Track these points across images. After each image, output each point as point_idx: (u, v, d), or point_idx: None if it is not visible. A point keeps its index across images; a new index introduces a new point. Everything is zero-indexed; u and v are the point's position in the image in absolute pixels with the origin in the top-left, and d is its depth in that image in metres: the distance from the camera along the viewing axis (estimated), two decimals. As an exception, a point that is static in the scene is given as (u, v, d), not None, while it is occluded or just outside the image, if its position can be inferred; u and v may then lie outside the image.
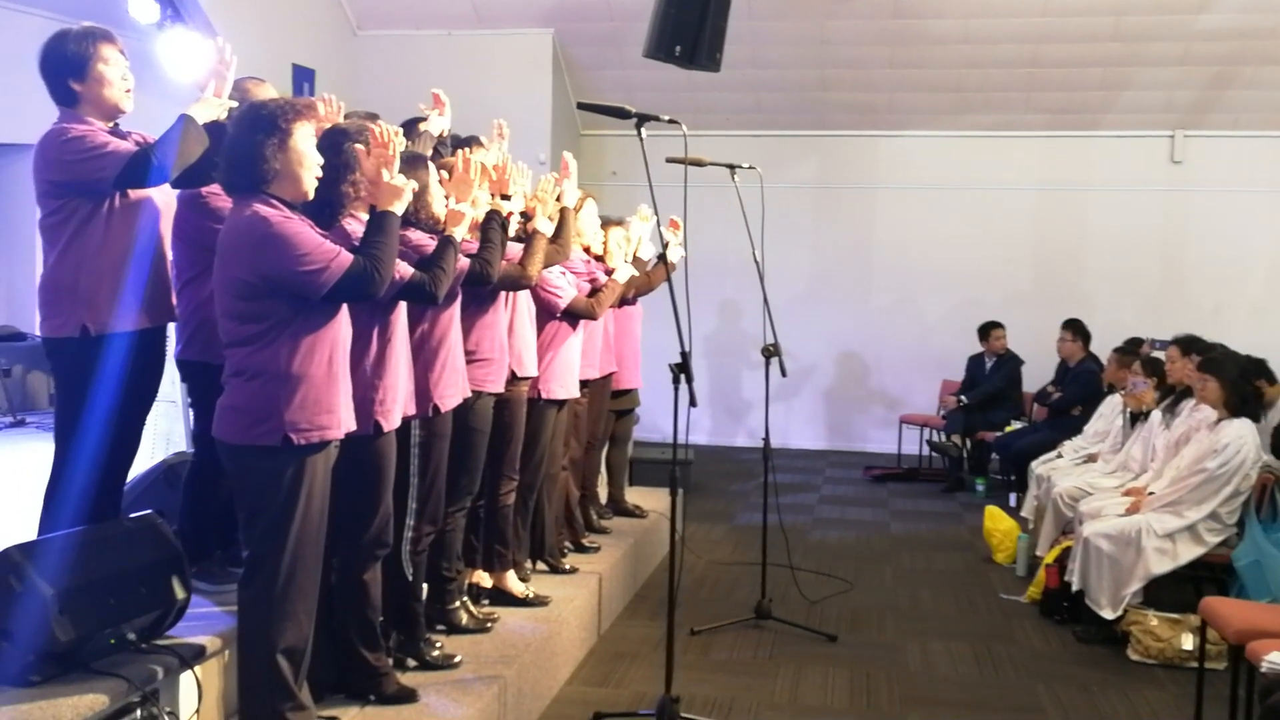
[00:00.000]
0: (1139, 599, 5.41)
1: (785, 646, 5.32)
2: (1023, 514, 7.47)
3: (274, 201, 3.06)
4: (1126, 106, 10.51)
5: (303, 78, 9.47)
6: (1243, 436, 5.34)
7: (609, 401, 6.18)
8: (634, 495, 7.18)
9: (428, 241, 3.71)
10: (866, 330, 11.39)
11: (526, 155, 10.19)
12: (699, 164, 5.60)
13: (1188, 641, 5.12)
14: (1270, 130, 10.48)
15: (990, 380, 9.71)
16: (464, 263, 3.78)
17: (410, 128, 5.61)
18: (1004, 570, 6.84)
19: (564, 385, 4.99)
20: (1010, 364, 9.73)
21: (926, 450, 10.41)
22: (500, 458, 4.63)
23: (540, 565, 5.31)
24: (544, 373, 4.82)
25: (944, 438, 9.93)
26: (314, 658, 3.51)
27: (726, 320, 11.44)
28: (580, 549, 5.69)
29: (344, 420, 3.14)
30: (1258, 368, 6.56)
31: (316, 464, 3.06)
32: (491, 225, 3.93)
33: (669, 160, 5.54)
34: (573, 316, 5.09)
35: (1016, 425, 9.16)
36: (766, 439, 5.83)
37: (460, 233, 3.59)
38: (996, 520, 7.11)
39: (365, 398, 3.32)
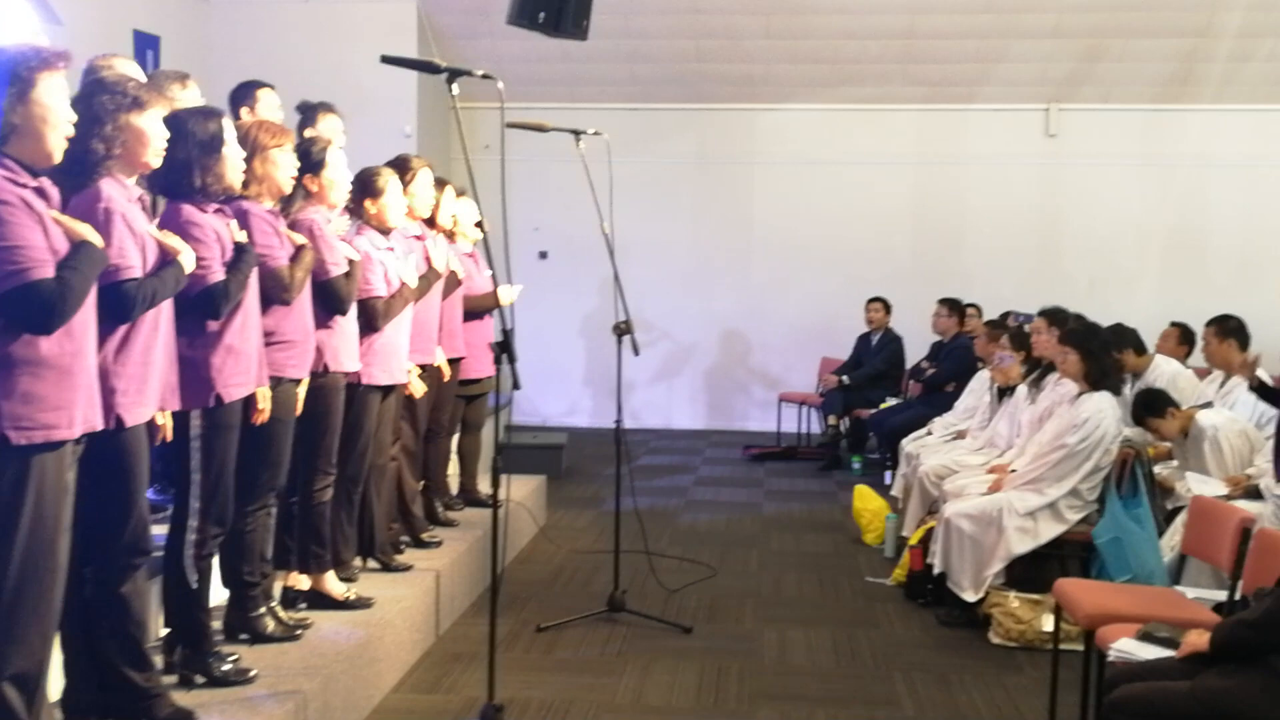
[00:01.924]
0: (1001, 580, 5.25)
1: (636, 641, 5.04)
2: (893, 493, 7.31)
3: (8, 163, 2.66)
4: (1001, 79, 10.44)
5: (146, 45, 8.88)
6: (1103, 410, 5.20)
7: (456, 388, 5.81)
8: (503, 484, 6.82)
9: (203, 221, 3.37)
10: (748, 308, 11.20)
11: (391, 130, 9.81)
12: (540, 129, 5.27)
13: (1047, 623, 4.95)
14: (1141, 103, 10.50)
15: (872, 362, 9.57)
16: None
17: (247, 91, 5.24)
18: (872, 551, 6.67)
19: (387, 370, 4.61)
20: (893, 344, 9.61)
21: (805, 429, 10.26)
22: (315, 450, 4.25)
23: (372, 564, 4.94)
24: (364, 357, 4.44)
25: (822, 418, 9.76)
26: (76, 680, 3.14)
27: (608, 299, 11.13)
28: (419, 544, 5.33)
29: (81, 418, 2.75)
30: (1127, 336, 6.47)
31: (45, 465, 2.67)
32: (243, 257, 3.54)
33: (509, 125, 5.19)
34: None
35: (892, 402, 9.03)
36: (619, 421, 5.50)
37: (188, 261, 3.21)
38: (866, 500, 6.93)
39: (105, 388, 2.93)
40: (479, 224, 5.64)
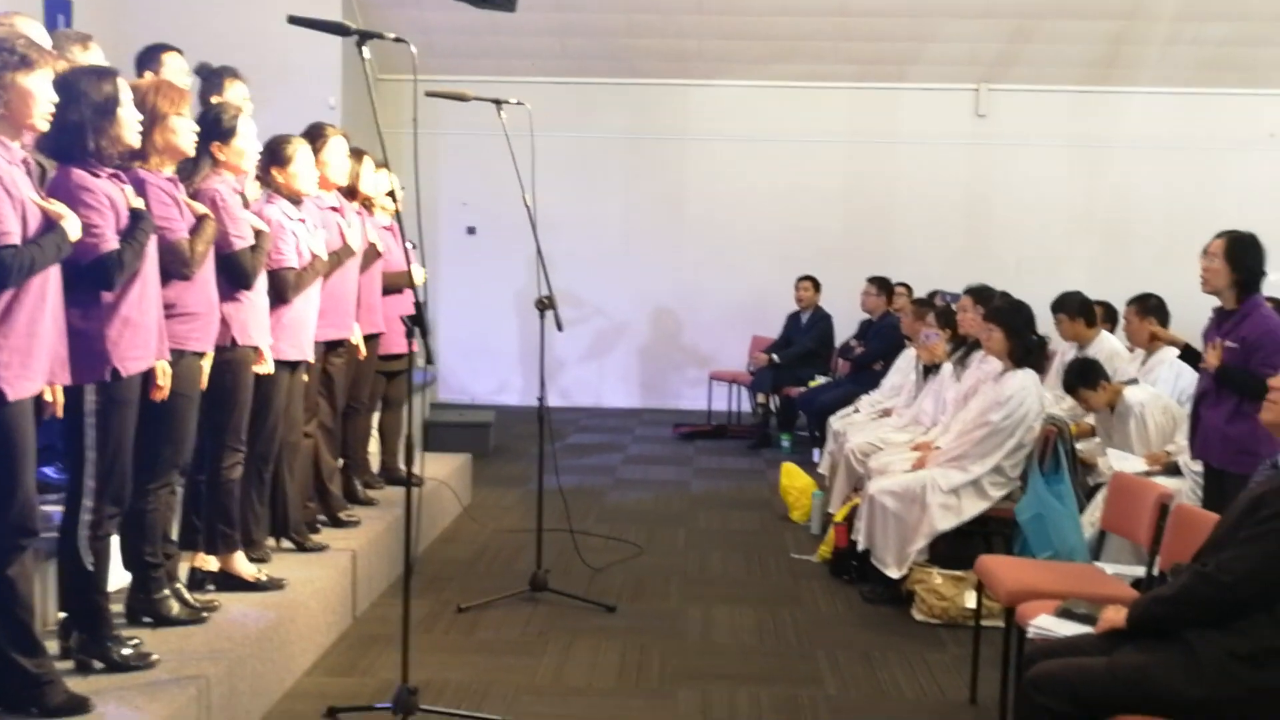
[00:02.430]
0: (924, 557, 5.24)
1: (558, 620, 4.96)
2: (820, 470, 7.29)
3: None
4: (932, 59, 10.45)
5: (57, 9, 8.56)
6: (1026, 388, 5.20)
7: (376, 364, 5.67)
8: (427, 462, 6.69)
9: (95, 186, 3.21)
10: (680, 286, 11.14)
11: (315, 100, 9.57)
12: (461, 98, 5.13)
13: (970, 599, 4.95)
14: (1069, 85, 10.57)
15: (802, 340, 9.56)
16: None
17: (152, 55, 5.03)
18: (799, 529, 6.65)
19: (296, 345, 4.45)
20: (822, 323, 9.60)
21: (736, 407, 10.24)
22: (222, 427, 4.10)
23: (286, 544, 4.80)
24: (271, 331, 4.29)
25: (752, 396, 9.74)
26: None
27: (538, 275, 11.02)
28: (337, 523, 5.20)
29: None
30: (1083, 307, 6.50)
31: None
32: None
33: (428, 94, 5.06)
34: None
35: (821, 380, 9.02)
36: (541, 398, 5.39)
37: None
38: (793, 477, 6.91)
39: (-16, 360, 2.77)
40: (390, 194, 5.48)
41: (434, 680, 4.22)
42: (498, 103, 5.18)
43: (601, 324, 11.18)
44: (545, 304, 5.22)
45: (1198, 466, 4.91)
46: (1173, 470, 5.27)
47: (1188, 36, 9.93)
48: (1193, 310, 6.10)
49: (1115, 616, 3.00)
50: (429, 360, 3.75)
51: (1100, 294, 7.43)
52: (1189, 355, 5.73)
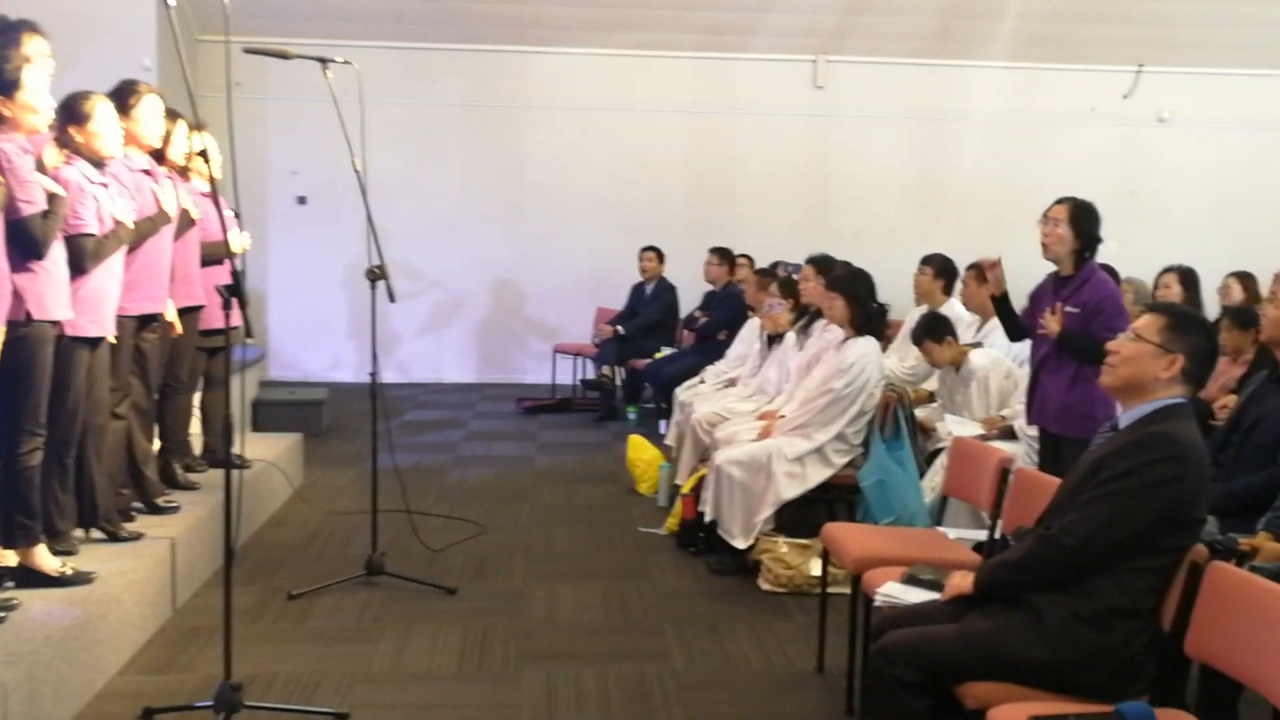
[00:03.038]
0: (770, 526, 5.22)
1: (396, 605, 4.74)
2: (667, 442, 7.23)
3: None
4: (772, 29, 10.46)
5: None
6: (867, 355, 5.22)
7: (195, 339, 5.32)
8: (255, 443, 6.37)
9: None
10: (521, 257, 10.93)
11: (128, 62, 8.96)
12: (283, 56, 4.81)
13: (816, 567, 4.95)
14: (904, 58, 10.73)
15: (647, 311, 9.48)
16: None
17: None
18: (646, 501, 6.57)
19: (96, 320, 4.09)
20: (666, 294, 9.54)
21: (581, 379, 10.11)
22: (19, 408, 3.74)
23: (96, 534, 4.44)
24: (70, 304, 3.93)
25: (597, 368, 9.61)
26: None
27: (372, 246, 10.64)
28: (154, 510, 4.85)
29: None
30: (947, 267, 6.55)
31: None
32: None
33: (247, 50, 4.73)
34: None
35: (666, 351, 8.97)
36: (374, 374, 5.14)
37: None
38: (639, 450, 6.82)
39: None
40: (201, 154, 5.02)
41: (261, 674, 3.97)
42: (323, 61, 4.86)
43: (440, 296, 10.89)
44: (377, 274, 4.97)
45: (1033, 431, 4.99)
46: (1008, 434, 5.37)
47: (1014, 12, 10.18)
48: (1021, 278, 6.24)
49: (962, 583, 2.97)
50: (249, 334, 3.49)
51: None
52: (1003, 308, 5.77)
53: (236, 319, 3.57)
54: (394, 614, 4.64)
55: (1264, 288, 6.92)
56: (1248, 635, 2.47)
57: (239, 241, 4.74)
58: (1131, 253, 8.28)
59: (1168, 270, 6.37)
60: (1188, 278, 6.29)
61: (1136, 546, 2.68)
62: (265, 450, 6.22)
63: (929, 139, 10.98)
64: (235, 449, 5.51)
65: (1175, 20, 10.26)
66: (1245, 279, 7.02)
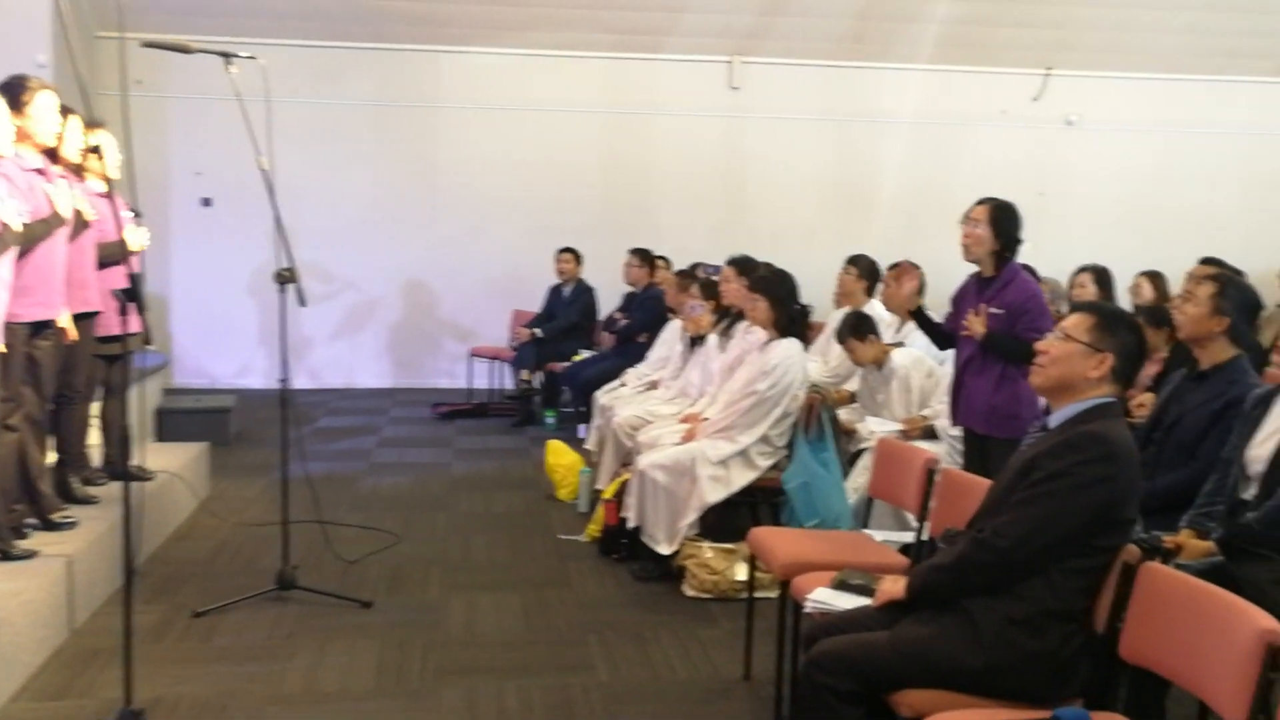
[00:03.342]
0: (695, 531, 5.14)
1: (309, 620, 4.56)
2: (587, 446, 7.11)
3: None
4: (687, 30, 10.41)
5: None
6: (790, 357, 5.17)
7: (92, 347, 5.08)
8: (158, 453, 6.12)
9: None
10: (435, 259, 10.72)
11: (21, 57, 8.58)
12: (183, 50, 4.60)
13: (741, 572, 4.89)
14: (819, 59, 10.75)
15: (565, 314, 9.36)
16: None
17: None
18: (566, 508, 6.45)
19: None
20: (584, 296, 9.43)
21: (498, 384, 9.96)
22: (-103, 421, 3.51)
23: (-15, 552, 4.20)
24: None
25: (514, 372, 9.46)
26: None
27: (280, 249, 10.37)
28: (50, 526, 4.61)
29: None
30: (872, 270, 6.57)
31: None
32: None
33: (145, 44, 4.51)
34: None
35: (585, 354, 8.85)
36: (284, 380, 4.95)
37: None
38: (559, 455, 6.70)
39: None
40: (94, 149, 4.79)
41: (165, 697, 3.79)
42: (226, 56, 4.67)
43: (352, 300, 10.64)
44: (286, 277, 4.79)
45: (955, 431, 4.99)
46: (929, 434, 5.37)
47: (928, 15, 10.26)
48: (934, 277, 6.28)
49: (894, 588, 2.91)
50: (148, 340, 3.30)
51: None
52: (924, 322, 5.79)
53: (135, 325, 3.39)
54: (307, 630, 4.46)
55: (1174, 286, 7.06)
56: (1182, 636, 2.45)
57: (136, 239, 4.51)
58: (1042, 253, 8.36)
59: (1083, 270, 6.44)
60: (1102, 277, 6.36)
61: (1069, 547, 2.65)
62: (169, 461, 5.98)
63: (845, 141, 11.02)
64: (136, 460, 5.31)
65: (1082, 25, 10.44)
66: (1155, 278, 7.13)
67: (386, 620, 4.61)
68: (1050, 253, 8.91)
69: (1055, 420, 2.80)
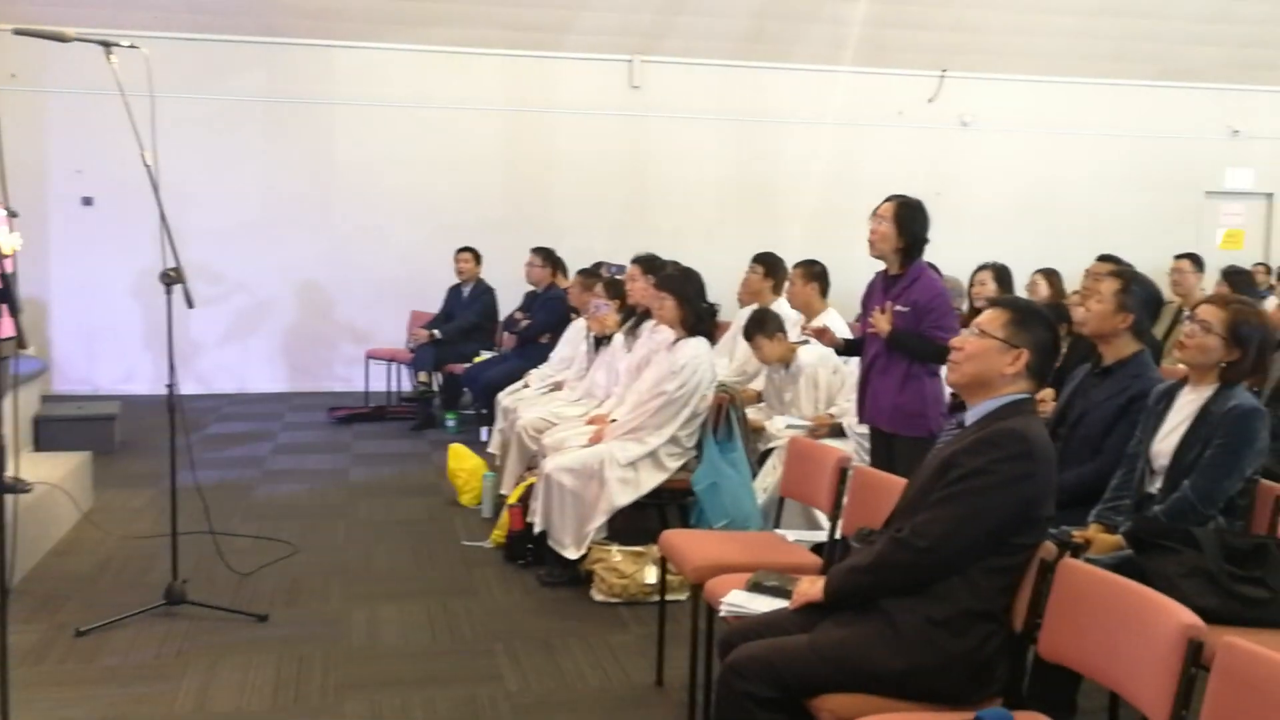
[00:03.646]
0: (603, 534, 5.04)
1: (201, 637, 4.35)
2: (490, 450, 6.97)
3: None
4: (587, 28, 10.33)
5: None
6: (699, 356, 5.10)
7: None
8: (36, 463, 5.80)
9: None
10: (331, 260, 10.46)
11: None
12: (60, 39, 4.35)
13: (651, 575, 4.81)
14: (719, 59, 10.76)
15: (464, 314, 9.19)
16: None
17: None
18: (470, 513, 6.30)
19: None
20: (485, 296, 9.27)
21: (396, 386, 9.74)
22: None
23: None
24: None
25: (413, 374, 9.25)
26: None
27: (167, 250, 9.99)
28: (-85, 543, 4.32)
29: None
30: (777, 266, 6.53)
31: None
32: None
33: (17, 32, 4.28)
34: None
35: (486, 355, 8.70)
36: (171, 385, 4.72)
37: None
38: (461, 459, 6.54)
39: None
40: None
41: (42, 724, 3.56)
42: (106, 45, 4.43)
43: (244, 302, 10.32)
44: (172, 278, 4.56)
45: (862, 429, 4.98)
46: (837, 432, 5.35)
47: (825, 16, 10.34)
48: (834, 274, 6.29)
49: (811, 590, 2.85)
50: (22, 344, 3.10)
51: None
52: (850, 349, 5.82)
53: (7, 329, 3.16)
54: (198, 647, 4.25)
55: (1068, 284, 7.19)
56: (1102, 633, 2.43)
57: (8, 242, 4.25)
58: (939, 252, 8.44)
59: (983, 268, 6.51)
60: (1002, 275, 6.43)
61: (989, 546, 2.62)
62: (48, 471, 5.67)
63: (745, 140, 11.05)
64: (11, 471, 5.01)
65: (975, 27, 10.62)
66: (1051, 275, 7.25)
67: (283, 634, 4.42)
68: (947, 253, 8.99)
69: (971, 417, 2.77)
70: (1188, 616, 2.20)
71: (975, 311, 6.53)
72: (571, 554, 5.01)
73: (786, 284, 6.31)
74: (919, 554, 2.63)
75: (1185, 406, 3.56)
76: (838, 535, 3.73)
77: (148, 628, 4.41)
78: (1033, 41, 10.84)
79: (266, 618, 4.56)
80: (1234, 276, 7.58)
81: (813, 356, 5.52)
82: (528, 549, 5.31)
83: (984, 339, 2.75)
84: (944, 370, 4.76)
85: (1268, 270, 10.38)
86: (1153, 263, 8.24)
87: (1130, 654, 2.33)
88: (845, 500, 3.70)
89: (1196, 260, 7.60)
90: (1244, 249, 12.04)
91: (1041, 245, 10.09)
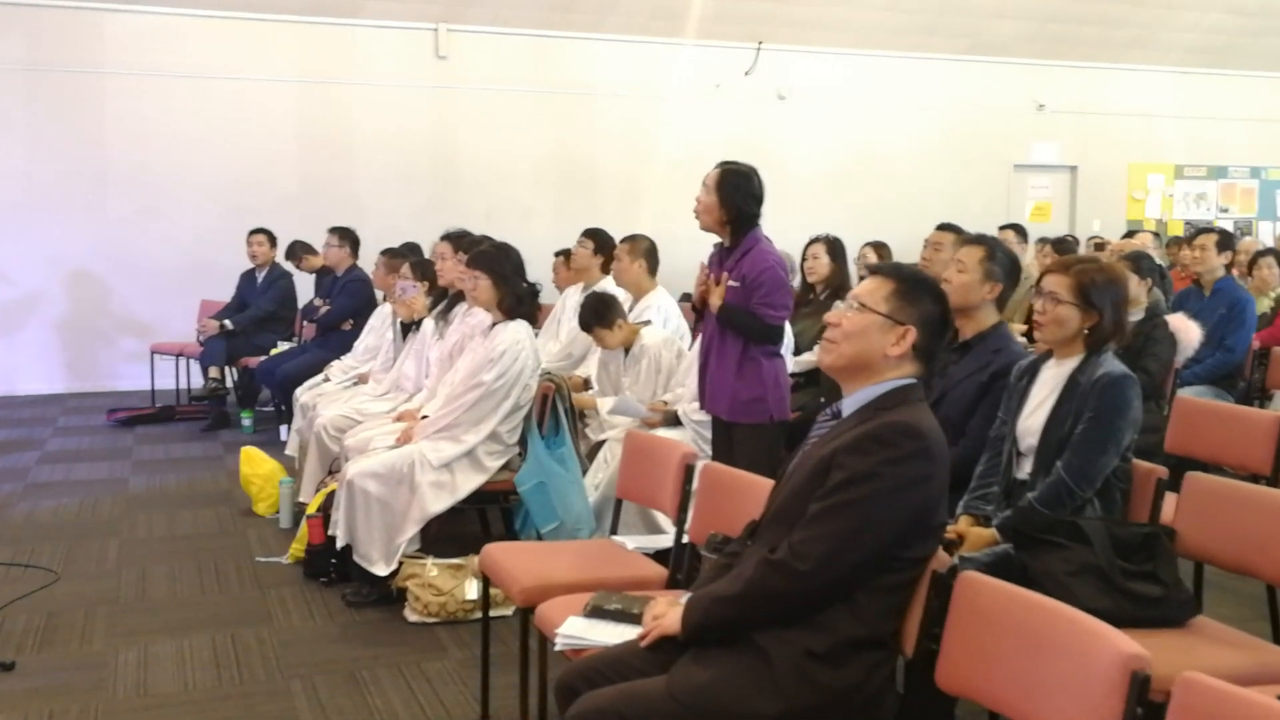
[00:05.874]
0: (416, 546, 4.47)
1: (-73, 696, 3.61)
2: (288, 452, 6.29)
3: None
4: (387, -6, 9.63)
5: None
6: (519, 341, 4.58)
7: None
8: None
9: None
10: (106, 246, 9.46)
11: None
12: None
13: (472, 590, 4.28)
14: (530, 29, 10.23)
15: (259, 302, 8.40)
16: None
17: None
18: (266, 524, 5.63)
19: None
20: (281, 281, 8.50)
21: (185, 383, 8.86)
22: None
23: None
24: None
25: (203, 370, 8.39)
26: None
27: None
28: None
29: None
30: (607, 243, 6.11)
31: None
32: None
33: None
34: None
35: (284, 347, 7.95)
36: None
37: None
38: (255, 464, 5.84)
39: None
40: None
41: None
42: None
43: (7, 295, 9.24)
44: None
45: (699, 416, 4.59)
46: (672, 421, 4.93)
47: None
48: (661, 253, 5.92)
49: (665, 621, 2.37)
50: None
51: (569, 242, 7.01)
52: None
53: None
54: (-78, 710, 3.52)
55: (896, 255, 6.99)
56: (1016, 663, 2.04)
57: None
58: (764, 226, 8.23)
59: (815, 240, 6.20)
60: (834, 248, 6.13)
61: (879, 562, 2.20)
62: None
63: (559, 114, 10.55)
64: None
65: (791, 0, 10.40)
66: (879, 248, 7.06)
67: (32, 685, 3.71)
68: (770, 226, 8.75)
69: (849, 406, 2.35)
70: (1126, 645, 1.82)
71: (809, 288, 6.23)
72: (380, 570, 4.43)
73: (615, 261, 5.85)
74: (801, 579, 2.18)
75: (1050, 380, 3.26)
76: (684, 541, 3.29)
77: None
78: (848, 15, 10.70)
79: (13, 665, 3.83)
80: (1059, 245, 7.58)
81: (657, 338, 5.09)
82: (330, 565, 4.69)
83: (864, 314, 2.32)
84: (784, 350, 4.44)
85: (1077, 241, 10.54)
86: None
87: (1055, 690, 1.93)
88: (693, 502, 3.27)
89: (1021, 231, 7.52)
90: (1051, 221, 12.26)
91: (861, 217, 9.96)
